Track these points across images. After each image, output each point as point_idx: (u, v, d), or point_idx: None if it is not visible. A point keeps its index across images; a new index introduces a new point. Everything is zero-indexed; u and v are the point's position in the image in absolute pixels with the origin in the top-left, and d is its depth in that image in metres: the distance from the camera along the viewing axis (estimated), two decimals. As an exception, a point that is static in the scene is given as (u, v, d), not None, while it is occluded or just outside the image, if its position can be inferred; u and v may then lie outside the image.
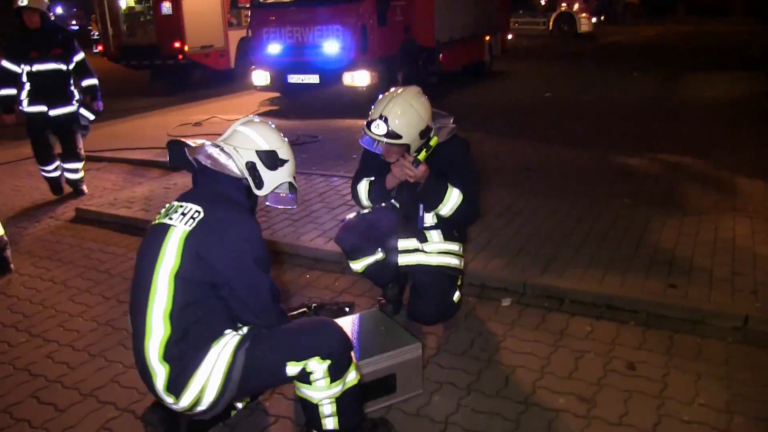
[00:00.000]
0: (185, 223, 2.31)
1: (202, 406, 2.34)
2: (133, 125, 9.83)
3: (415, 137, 3.09)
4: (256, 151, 2.47)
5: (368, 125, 3.10)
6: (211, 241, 2.29)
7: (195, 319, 2.30)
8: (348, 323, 3.11)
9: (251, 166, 2.46)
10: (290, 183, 2.61)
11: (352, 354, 2.53)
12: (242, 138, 2.51)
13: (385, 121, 3.03)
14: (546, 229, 4.76)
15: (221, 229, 2.30)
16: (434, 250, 3.43)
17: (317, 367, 2.36)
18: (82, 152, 6.34)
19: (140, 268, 2.37)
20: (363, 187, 3.45)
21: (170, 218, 2.35)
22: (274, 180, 2.52)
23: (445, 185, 3.22)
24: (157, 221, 2.41)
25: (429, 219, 3.41)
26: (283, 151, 2.55)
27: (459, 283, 3.59)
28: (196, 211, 2.33)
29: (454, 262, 3.45)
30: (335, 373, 2.40)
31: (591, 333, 3.47)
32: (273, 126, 2.61)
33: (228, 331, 2.38)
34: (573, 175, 6.30)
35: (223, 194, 2.43)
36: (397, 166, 3.19)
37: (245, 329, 2.43)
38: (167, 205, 2.45)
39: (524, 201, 5.41)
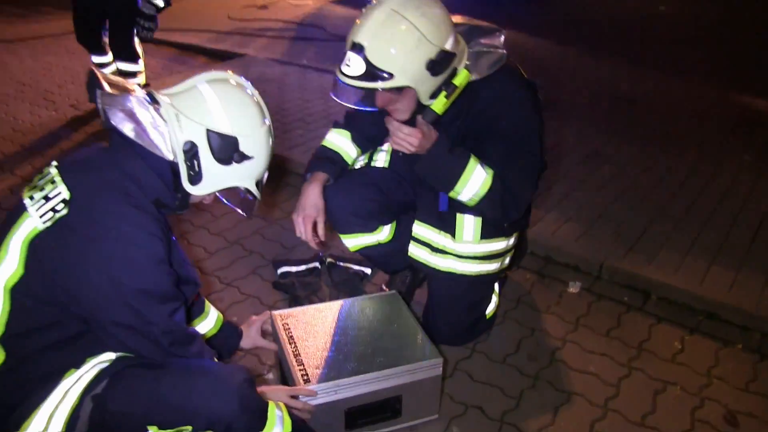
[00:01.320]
0: (41, 216, 1.52)
1: None
2: (192, 3, 9.01)
3: (417, 72, 1.90)
4: (207, 131, 1.60)
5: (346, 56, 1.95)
6: (68, 256, 1.50)
7: (40, 347, 1.58)
8: (352, 306, 2.35)
9: (191, 150, 1.59)
10: (247, 189, 1.74)
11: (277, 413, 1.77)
12: (195, 102, 1.62)
13: (360, 51, 1.89)
14: (639, 189, 3.76)
15: (88, 240, 1.50)
16: (465, 254, 2.33)
17: None
18: (139, 50, 4.72)
19: None
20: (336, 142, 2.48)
21: (32, 197, 1.57)
22: (221, 178, 1.67)
23: (465, 156, 2.09)
24: (25, 189, 1.62)
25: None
26: (251, 142, 1.66)
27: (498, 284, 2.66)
28: (63, 200, 1.52)
29: (492, 267, 2.43)
30: None
31: (680, 353, 2.58)
32: (256, 97, 1.75)
33: (92, 359, 1.65)
34: (683, 115, 5.11)
35: (131, 177, 1.58)
36: (392, 128, 2.05)
37: (109, 358, 1.67)
38: (47, 168, 1.63)
39: (616, 145, 4.36)
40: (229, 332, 2.27)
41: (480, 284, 2.47)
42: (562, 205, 3.53)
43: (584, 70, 6.10)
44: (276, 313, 2.27)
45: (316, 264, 3.07)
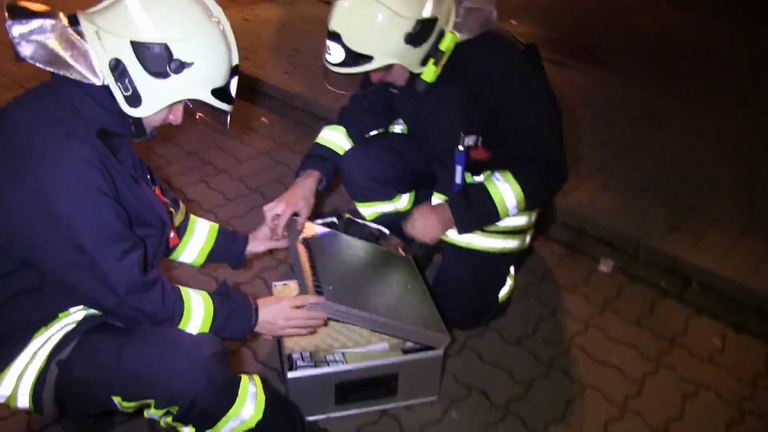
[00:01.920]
0: None
1: (22, 410, 1.56)
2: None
3: (397, 48, 1.81)
4: (132, 42, 1.34)
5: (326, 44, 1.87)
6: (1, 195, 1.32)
7: (5, 298, 1.43)
8: (375, 251, 2.22)
9: (117, 67, 1.35)
10: (202, 102, 1.47)
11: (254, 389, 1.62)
12: (117, 13, 1.36)
13: (337, 39, 1.79)
14: (694, 159, 3.39)
15: (15, 174, 1.31)
16: (486, 227, 2.15)
17: (155, 415, 1.50)
18: None
19: None
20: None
21: None
22: (163, 94, 1.41)
23: (482, 191, 2.01)
24: None
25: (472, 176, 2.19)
26: (188, 46, 1.38)
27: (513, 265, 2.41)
28: None
29: (512, 245, 2.21)
30: (198, 423, 1.54)
31: (720, 353, 2.30)
32: None
33: (63, 317, 1.52)
34: (744, 72, 4.63)
35: (68, 107, 1.38)
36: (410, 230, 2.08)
37: (76, 319, 1.53)
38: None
39: (665, 103, 3.96)
40: (228, 240, 2.05)
41: (496, 263, 2.24)
42: (603, 173, 3.21)
43: (648, 22, 5.60)
44: (300, 219, 2.09)
45: (334, 219, 2.85)
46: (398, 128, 2.43)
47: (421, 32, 1.80)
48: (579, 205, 2.95)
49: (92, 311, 1.54)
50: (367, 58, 1.81)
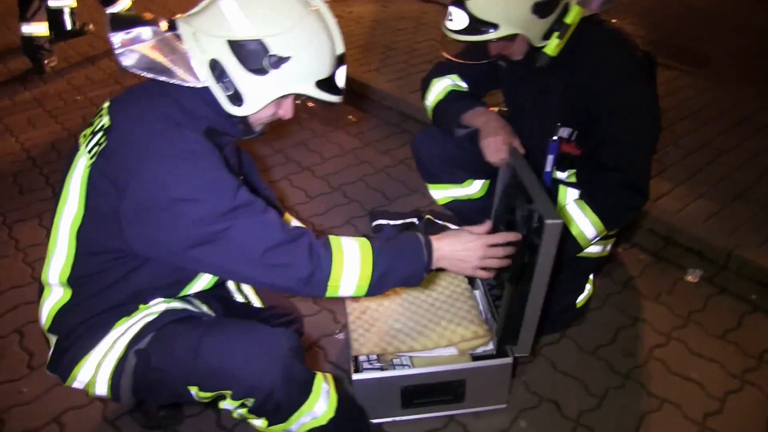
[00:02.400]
0: (89, 151, 1.44)
1: (100, 396, 1.65)
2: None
3: (523, 18, 1.77)
4: (229, 42, 1.37)
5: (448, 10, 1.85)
6: (112, 187, 1.39)
7: (100, 288, 1.53)
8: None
9: (215, 68, 1.38)
10: (308, 96, 1.47)
11: (322, 385, 1.64)
12: (212, 14, 1.39)
13: (461, 5, 1.76)
14: (792, 166, 3.21)
15: (135, 162, 1.36)
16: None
17: (231, 406, 1.56)
18: None
19: (54, 199, 1.59)
20: (437, 90, 2.25)
21: (84, 135, 1.50)
22: (266, 90, 1.42)
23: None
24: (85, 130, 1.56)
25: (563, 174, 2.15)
26: (283, 40, 1.38)
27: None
28: (103, 130, 1.43)
29: (594, 250, 2.20)
30: (271, 416, 1.57)
31: (813, 372, 2.18)
32: None
33: (144, 309, 1.60)
34: None
35: (177, 104, 1.43)
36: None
37: (158, 310, 1.60)
38: (105, 104, 1.54)
39: (766, 109, 3.74)
40: None
41: (576, 267, 2.21)
42: (695, 179, 3.08)
43: (758, 22, 5.28)
44: (515, 143, 2.06)
45: (414, 219, 2.91)
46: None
47: (549, 2, 1.78)
48: (667, 212, 2.85)
49: (173, 305, 1.62)
50: (492, 26, 1.78)
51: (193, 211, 1.34)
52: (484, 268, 1.63)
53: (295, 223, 2.00)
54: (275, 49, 1.37)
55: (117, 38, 1.37)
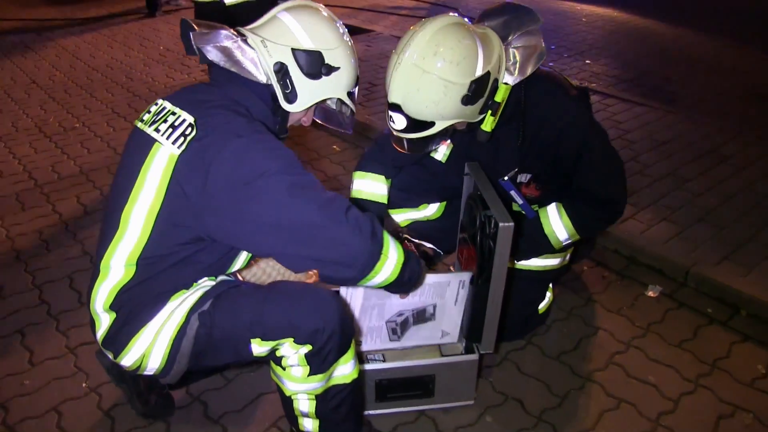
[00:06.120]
0: (174, 142, 1.61)
1: (149, 372, 1.78)
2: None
3: (455, 110, 1.87)
4: (293, 50, 1.73)
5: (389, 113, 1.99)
6: (202, 171, 1.57)
7: (165, 266, 1.68)
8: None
9: (281, 70, 1.73)
10: (340, 100, 1.88)
11: (353, 342, 1.81)
12: (277, 27, 1.75)
13: (399, 110, 1.90)
14: (753, 195, 3.40)
15: (216, 150, 1.57)
16: None
17: (290, 351, 1.70)
18: None
19: (114, 189, 1.75)
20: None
21: (157, 129, 1.66)
22: (314, 92, 1.79)
23: (534, 224, 2.25)
24: (140, 125, 1.74)
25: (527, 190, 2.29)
26: (335, 55, 1.77)
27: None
28: (189, 125, 1.61)
29: (553, 262, 2.38)
30: (317, 365, 1.72)
31: (763, 379, 2.33)
32: (329, 16, 1.84)
33: (200, 281, 1.76)
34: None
35: (239, 102, 1.71)
36: None
37: (211, 282, 1.78)
38: (156, 104, 1.76)
39: (738, 144, 3.97)
40: None
41: (538, 280, 2.40)
42: (659, 204, 3.28)
43: (723, 63, 5.59)
44: None
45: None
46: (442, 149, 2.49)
47: (476, 90, 1.85)
48: (631, 233, 3.03)
49: (221, 278, 1.80)
50: (429, 124, 1.91)
51: (271, 183, 1.55)
52: None
53: None
54: (329, 59, 1.76)
55: (200, 38, 1.70)
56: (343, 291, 1.98)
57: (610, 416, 2.16)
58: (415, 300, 2.03)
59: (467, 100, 1.85)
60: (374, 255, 1.64)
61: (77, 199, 3.59)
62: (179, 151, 1.59)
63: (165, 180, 1.61)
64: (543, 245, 2.27)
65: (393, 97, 1.91)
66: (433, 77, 1.80)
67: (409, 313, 2.08)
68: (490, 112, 1.94)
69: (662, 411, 2.18)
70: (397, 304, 2.05)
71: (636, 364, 2.38)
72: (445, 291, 2.05)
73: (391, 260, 1.69)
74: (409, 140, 1.98)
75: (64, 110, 4.94)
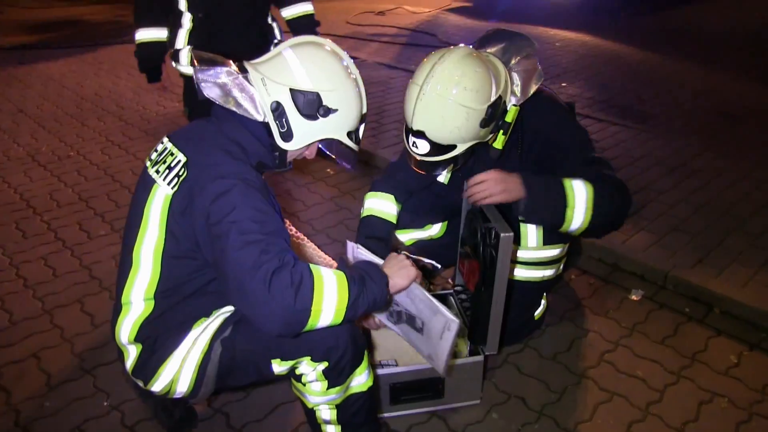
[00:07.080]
0: (169, 183, 1.71)
1: (178, 395, 1.90)
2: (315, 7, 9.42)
3: (475, 133, 2.05)
4: (291, 90, 1.73)
5: (407, 137, 2.16)
6: (189, 209, 1.67)
7: (181, 297, 1.80)
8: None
9: (277, 109, 1.73)
10: (339, 141, 1.85)
11: (365, 354, 1.94)
12: (278, 65, 1.76)
13: (422, 136, 2.07)
14: (722, 204, 3.68)
15: (199, 189, 1.65)
16: (526, 260, 2.48)
17: (308, 369, 1.83)
18: None
19: (127, 227, 1.86)
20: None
21: (157, 171, 1.77)
22: (311, 133, 1.79)
23: (557, 182, 2.14)
24: (147, 164, 1.84)
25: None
26: (333, 96, 1.76)
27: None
28: (183, 166, 1.70)
29: (548, 273, 2.55)
30: (334, 378, 1.85)
31: (735, 367, 2.56)
32: (333, 52, 1.84)
33: (218, 310, 1.88)
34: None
35: (234, 141, 1.75)
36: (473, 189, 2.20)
37: (231, 309, 1.90)
38: (162, 142, 1.85)
39: (706, 159, 4.26)
40: None
41: (534, 290, 2.59)
42: (637, 215, 3.52)
43: (691, 83, 5.93)
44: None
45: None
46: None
47: (491, 113, 2.03)
48: (613, 243, 3.26)
49: None
50: (451, 147, 2.07)
51: (237, 227, 1.57)
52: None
53: None
54: (327, 101, 1.76)
55: (201, 74, 1.72)
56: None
57: (605, 408, 2.36)
58: (408, 302, 2.06)
59: (484, 123, 2.03)
60: (295, 315, 1.55)
61: (79, 226, 3.69)
62: (173, 192, 1.69)
63: (163, 218, 1.71)
64: (557, 208, 2.15)
65: (417, 125, 2.05)
66: (456, 105, 1.98)
67: (403, 309, 2.14)
68: (501, 131, 2.12)
69: (650, 401, 2.39)
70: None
71: (624, 361, 2.59)
72: (432, 317, 1.96)
73: (327, 312, 1.59)
74: (430, 163, 2.14)
75: (57, 139, 5.03)
